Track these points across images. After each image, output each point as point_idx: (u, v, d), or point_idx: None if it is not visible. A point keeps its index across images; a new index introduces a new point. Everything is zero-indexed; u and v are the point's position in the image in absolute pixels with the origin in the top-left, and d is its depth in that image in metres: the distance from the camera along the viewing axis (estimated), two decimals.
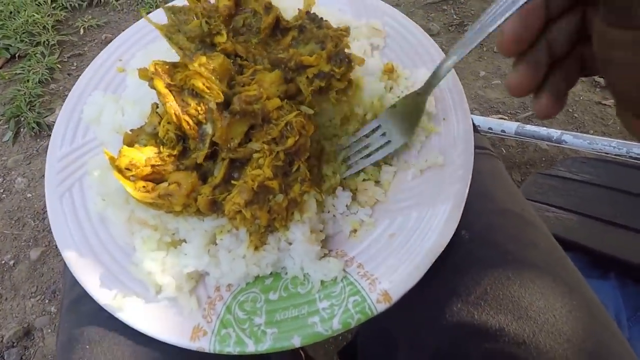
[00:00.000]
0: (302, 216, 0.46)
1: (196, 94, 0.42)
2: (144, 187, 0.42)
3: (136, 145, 0.44)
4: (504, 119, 1.70)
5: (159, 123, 0.44)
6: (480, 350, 0.45)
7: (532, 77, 0.35)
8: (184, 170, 0.44)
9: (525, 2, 0.31)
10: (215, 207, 0.45)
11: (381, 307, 0.42)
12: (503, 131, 1.43)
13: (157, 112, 0.46)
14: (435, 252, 0.45)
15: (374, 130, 0.53)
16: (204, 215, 0.46)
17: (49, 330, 1.33)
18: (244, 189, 0.43)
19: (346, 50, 0.48)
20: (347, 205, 0.51)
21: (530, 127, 1.38)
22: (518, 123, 1.44)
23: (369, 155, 0.53)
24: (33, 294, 1.40)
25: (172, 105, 0.42)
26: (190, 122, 0.43)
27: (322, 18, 0.50)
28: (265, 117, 0.43)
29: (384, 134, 0.52)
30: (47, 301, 1.40)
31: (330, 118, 0.52)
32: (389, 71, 0.56)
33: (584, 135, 1.30)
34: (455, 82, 0.57)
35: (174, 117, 0.42)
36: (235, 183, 0.44)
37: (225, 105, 0.43)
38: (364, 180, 0.52)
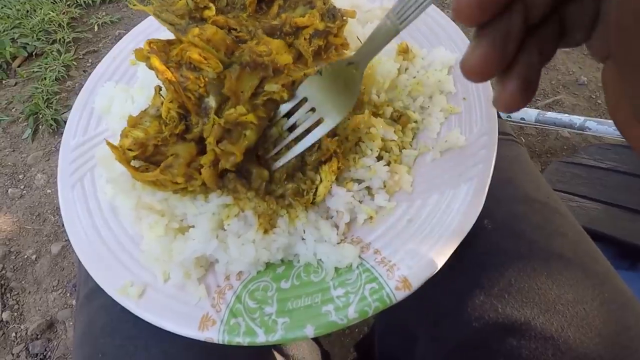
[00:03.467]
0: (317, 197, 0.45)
1: (194, 68, 0.41)
2: (147, 169, 0.42)
3: (139, 127, 0.44)
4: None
5: (162, 104, 0.43)
6: (505, 345, 0.43)
7: (499, 54, 0.24)
8: (182, 142, 0.44)
9: None
10: (221, 182, 0.44)
11: (400, 294, 0.40)
12: (522, 119, 1.38)
13: (160, 94, 0.45)
14: (458, 237, 0.42)
15: (300, 106, 0.46)
16: (209, 192, 0.45)
17: (71, 323, 1.36)
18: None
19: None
20: (367, 189, 0.49)
21: (551, 114, 1.33)
22: (538, 110, 1.38)
23: (298, 139, 0.46)
24: (55, 288, 1.43)
25: (170, 79, 0.41)
26: (192, 96, 0.42)
27: None
28: (277, 70, 0.42)
29: (313, 110, 0.45)
30: (68, 294, 1.43)
31: None
32: (404, 51, 0.53)
33: (609, 121, 1.24)
34: None
35: (173, 92, 0.41)
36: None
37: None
38: (388, 164, 0.50)
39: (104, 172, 0.50)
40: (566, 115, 1.29)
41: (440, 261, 0.41)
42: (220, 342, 0.41)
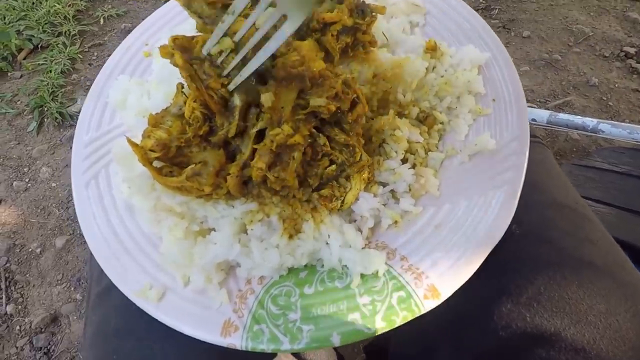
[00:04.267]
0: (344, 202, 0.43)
1: (217, 65, 0.39)
2: (170, 171, 0.40)
3: (161, 126, 0.42)
4: (533, 107, 1.63)
5: (185, 103, 0.42)
6: (533, 356, 0.42)
7: None
8: (211, 149, 0.42)
9: None
10: (245, 189, 0.43)
11: (429, 304, 0.39)
12: (534, 120, 1.36)
13: (182, 92, 0.43)
14: (488, 245, 0.41)
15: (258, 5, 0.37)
16: (233, 199, 0.44)
17: (75, 317, 1.35)
18: (264, 152, 0.40)
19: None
20: (391, 192, 0.48)
21: (563, 116, 1.31)
22: (550, 111, 1.36)
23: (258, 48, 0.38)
24: (59, 282, 1.43)
25: (193, 76, 0.39)
26: (214, 95, 0.40)
27: None
28: (314, 80, 0.40)
29: (272, 6, 0.38)
30: (72, 289, 1.42)
31: (367, 100, 0.48)
32: (432, 49, 0.52)
33: (623, 124, 1.22)
34: (505, 59, 0.52)
35: (195, 90, 0.39)
36: (256, 147, 0.42)
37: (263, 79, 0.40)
38: (413, 167, 0.48)
39: (120, 171, 0.48)
40: (579, 117, 1.27)
41: (471, 270, 0.40)
42: (243, 349, 0.40)
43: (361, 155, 0.43)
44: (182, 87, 0.44)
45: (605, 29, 1.85)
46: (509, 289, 0.45)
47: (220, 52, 0.40)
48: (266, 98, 0.39)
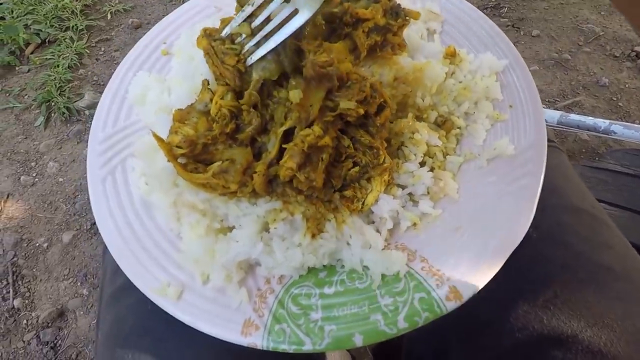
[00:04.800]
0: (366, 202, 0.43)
1: (234, 43, 0.41)
2: (195, 168, 0.40)
3: (187, 123, 0.42)
4: (543, 108, 1.62)
5: (211, 100, 0.42)
6: (549, 358, 0.42)
7: None
8: (238, 146, 0.42)
9: None
10: (270, 187, 0.43)
11: (451, 305, 0.39)
12: (545, 120, 1.35)
13: (209, 89, 0.43)
14: (509, 248, 0.41)
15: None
16: (257, 197, 0.44)
17: (81, 312, 1.35)
18: (295, 152, 0.41)
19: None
20: (409, 195, 0.47)
21: (574, 117, 1.30)
22: (561, 112, 1.35)
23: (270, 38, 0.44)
24: (66, 277, 1.43)
25: (210, 52, 0.41)
26: (230, 67, 0.41)
27: None
28: (341, 81, 0.41)
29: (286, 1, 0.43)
30: (79, 284, 1.42)
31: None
32: (451, 55, 0.52)
33: (636, 125, 1.21)
34: (521, 65, 0.52)
35: (212, 66, 0.41)
36: (286, 146, 0.42)
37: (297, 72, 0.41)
38: (432, 170, 0.48)
39: (141, 166, 0.48)
40: (590, 117, 1.26)
41: (491, 273, 0.40)
42: (265, 349, 0.40)
43: (385, 157, 0.44)
44: (208, 84, 0.44)
45: (616, 28, 1.83)
46: (525, 292, 0.45)
47: (239, 34, 0.45)
48: (294, 94, 0.39)
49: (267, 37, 0.43)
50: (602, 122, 1.22)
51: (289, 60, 0.43)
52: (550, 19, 1.92)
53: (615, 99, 1.67)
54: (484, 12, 0.57)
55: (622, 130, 1.17)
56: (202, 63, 0.47)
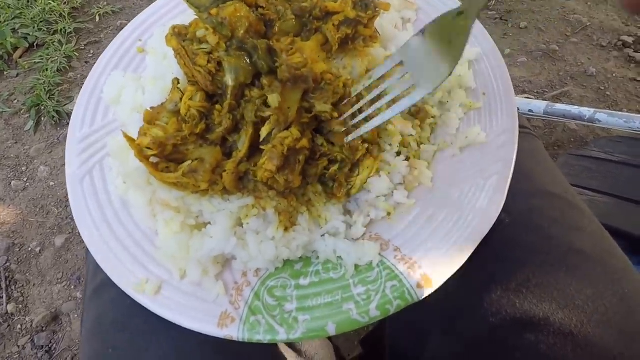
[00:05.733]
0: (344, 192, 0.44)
1: (200, 41, 0.42)
2: (167, 167, 0.40)
3: (157, 123, 0.42)
4: (530, 99, 1.63)
5: (181, 99, 0.42)
6: (522, 341, 0.42)
7: None
8: (208, 146, 0.42)
9: None
10: (241, 184, 0.43)
11: (422, 292, 0.40)
12: (530, 111, 1.36)
13: (178, 88, 0.43)
14: (480, 234, 0.42)
15: (396, 71, 0.43)
16: (229, 194, 0.44)
17: (76, 316, 1.36)
18: (274, 154, 0.41)
19: None
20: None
21: (560, 106, 1.31)
22: (547, 102, 1.36)
23: (382, 109, 0.44)
24: (59, 280, 1.43)
25: (181, 53, 0.41)
26: (201, 70, 0.41)
27: None
28: (316, 82, 0.41)
29: (406, 76, 0.42)
30: (72, 287, 1.42)
31: None
32: None
33: (620, 113, 1.22)
34: (494, 53, 0.53)
35: (183, 67, 0.41)
36: (263, 148, 0.42)
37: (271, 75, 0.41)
38: (407, 158, 0.49)
39: (116, 166, 0.48)
40: (575, 107, 1.27)
41: (462, 259, 0.41)
42: (240, 340, 0.40)
43: (368, 148, 0.44)
44: (178, 83, 0.44)
45: (603, 18, 1.84)
46: (498, 277, 0.45)
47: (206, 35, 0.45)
48: (273, 99, 0.40)
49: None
50: (587, 111, 1.23)
51: (263, 62, 0.43)
52: (538, 10, 1.92)
53: (602, 88, 1.67)
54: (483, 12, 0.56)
55: (606, 118, 1.18)
56: (174, 61, 0.47)
